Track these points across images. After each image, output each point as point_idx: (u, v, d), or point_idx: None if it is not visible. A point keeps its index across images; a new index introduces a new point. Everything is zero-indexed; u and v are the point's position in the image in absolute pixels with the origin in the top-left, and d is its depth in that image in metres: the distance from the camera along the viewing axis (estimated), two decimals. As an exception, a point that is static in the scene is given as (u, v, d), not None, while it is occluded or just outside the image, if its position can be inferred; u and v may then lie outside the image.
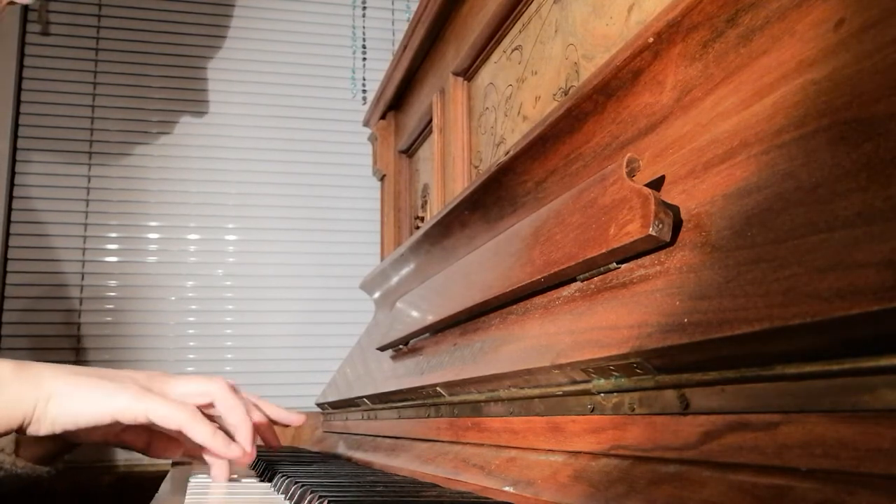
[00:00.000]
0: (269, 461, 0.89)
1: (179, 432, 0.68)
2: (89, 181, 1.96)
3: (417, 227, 1.39)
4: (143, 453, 0.78)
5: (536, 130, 0.64)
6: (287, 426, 0.82)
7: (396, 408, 0.93)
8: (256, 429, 0.78)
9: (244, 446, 0.71)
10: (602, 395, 0.44)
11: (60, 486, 1.70)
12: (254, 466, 0.90)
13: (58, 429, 0.65)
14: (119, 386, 0.67)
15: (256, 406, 0.81)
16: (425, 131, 1.42)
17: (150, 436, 0.77)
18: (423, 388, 0.76)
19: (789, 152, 0.34)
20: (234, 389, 0.74)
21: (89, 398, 0.65)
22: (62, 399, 0.65)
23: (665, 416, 0.38)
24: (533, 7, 0.92)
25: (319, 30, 2.17)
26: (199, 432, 0.67)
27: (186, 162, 2.03)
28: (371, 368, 1.15)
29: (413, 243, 1.05)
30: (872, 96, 0.30)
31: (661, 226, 0.41)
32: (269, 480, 0.73)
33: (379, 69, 1.80)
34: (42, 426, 0.65)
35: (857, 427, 0.27)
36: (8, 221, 1.89)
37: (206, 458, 0.73)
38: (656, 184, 0.46)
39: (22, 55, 1.96)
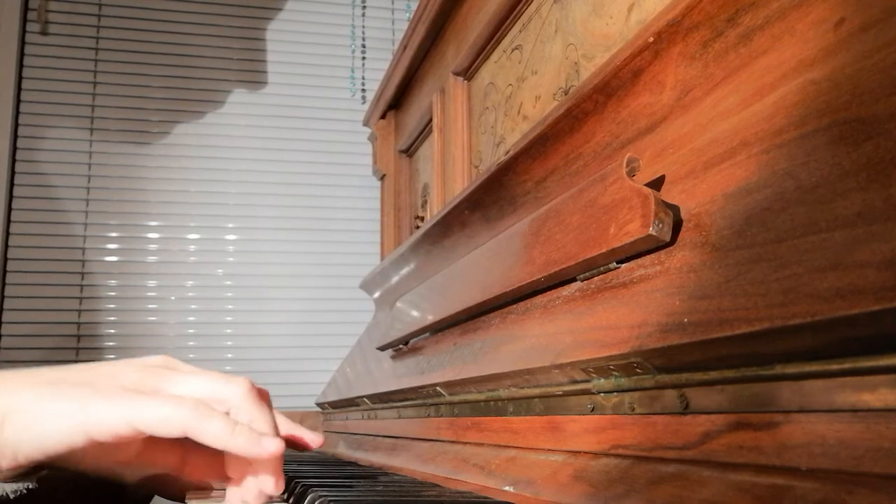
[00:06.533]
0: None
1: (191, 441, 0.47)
2: (89, 181, 1.96)
3: (417, 227, 1.39)
4: (179, 479, 0.56)
5: (536, 130, 0.64)
6: (303, 450, 0.62)
7: (396, 407, 0.93)
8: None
9: (274, 445, 0.48)
10: (602, 394, 0.44)
11: (61, 487, 1.70)
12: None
13: (22, 460, 0.47)
14: (92, 391, 0.47)
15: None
16: (425, 131, 1.42)
17: (183, 450, 0.55)
18: (423, 387, 0.76)
19: (789, 152, 0.34)
20: (262, 396, 0.52)
21: (55, 412, 0.46)
22: (20, 418, 0.46)
23: (665, 416, 0.38)
24: (533, 7, 0.92)
25: (319, 29, 2.17)
26: (212, 430, 0.46)
27: (186, 162, 2.03)
28: (371, 368, 1.15)
29: (413, 243, 1.05)
30: (872, 96, 0.30)
31: (661, 225, 0.41)
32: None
33: (379, 69, 1.80)
34: (2, 459, 0.46)
35: (857, 427, 0.27)
36: (8, 221, 1.89)
37: (230, 472, 0.52)
38: (656, 183, 0.46)
39: (22, 55, 1.96)
